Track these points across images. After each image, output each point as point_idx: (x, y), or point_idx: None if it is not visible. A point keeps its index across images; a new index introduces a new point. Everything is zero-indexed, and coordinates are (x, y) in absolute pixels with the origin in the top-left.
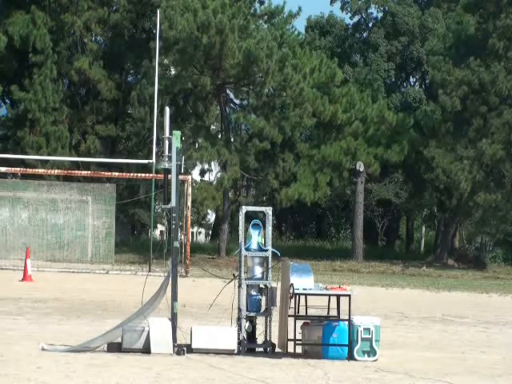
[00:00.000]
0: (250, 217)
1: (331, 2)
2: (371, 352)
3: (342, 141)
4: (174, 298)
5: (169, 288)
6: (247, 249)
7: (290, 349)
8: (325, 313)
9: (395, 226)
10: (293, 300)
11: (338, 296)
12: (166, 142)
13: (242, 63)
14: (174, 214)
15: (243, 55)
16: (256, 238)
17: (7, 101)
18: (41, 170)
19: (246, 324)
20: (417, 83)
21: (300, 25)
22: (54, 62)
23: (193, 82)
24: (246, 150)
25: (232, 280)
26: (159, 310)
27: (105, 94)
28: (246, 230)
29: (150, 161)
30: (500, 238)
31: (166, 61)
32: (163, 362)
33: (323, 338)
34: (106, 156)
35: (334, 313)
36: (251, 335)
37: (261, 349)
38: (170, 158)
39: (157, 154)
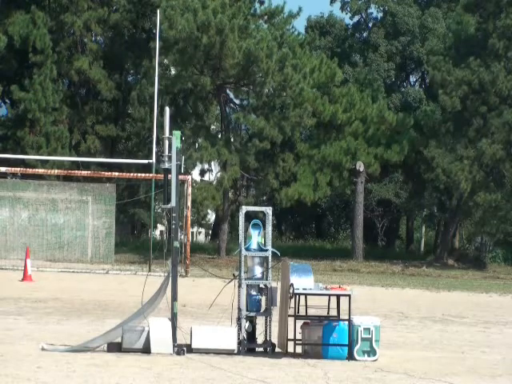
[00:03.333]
0: (249, 217)
1: (331, 2)
2: (371, 352)
3: (342, 141)
4: (174, 298)
5: (169, 288)
6: (247, 249)
7: (290, 349)
8: (325, 313)
9: (395, 226)
10: (293, 300)
11: (338, 296)
12: (166, 142)
13: (242, 63)
14: (174, 214)
15: (243, 55)
16: (256, 237)
17: (7, 101)
18: (41, 170)
19: (246, 324)
20: (417, 83)
21: (300, 25)
22: (53, 61)
23: (193, 82)
24: (246, 149)
25: (232, 280)
26: (159, 310)
27: (105, 93)
28: (246, 229)
29: (150, 161)
30: (500, 237)
31: (165, 61)
32: (163, 361)
33: (323, 338)
34: (106, 156)
35: (334, 313)
36: (251, 335)
37: (261, 349)
38: (169, 158)
39: (157, 153)
